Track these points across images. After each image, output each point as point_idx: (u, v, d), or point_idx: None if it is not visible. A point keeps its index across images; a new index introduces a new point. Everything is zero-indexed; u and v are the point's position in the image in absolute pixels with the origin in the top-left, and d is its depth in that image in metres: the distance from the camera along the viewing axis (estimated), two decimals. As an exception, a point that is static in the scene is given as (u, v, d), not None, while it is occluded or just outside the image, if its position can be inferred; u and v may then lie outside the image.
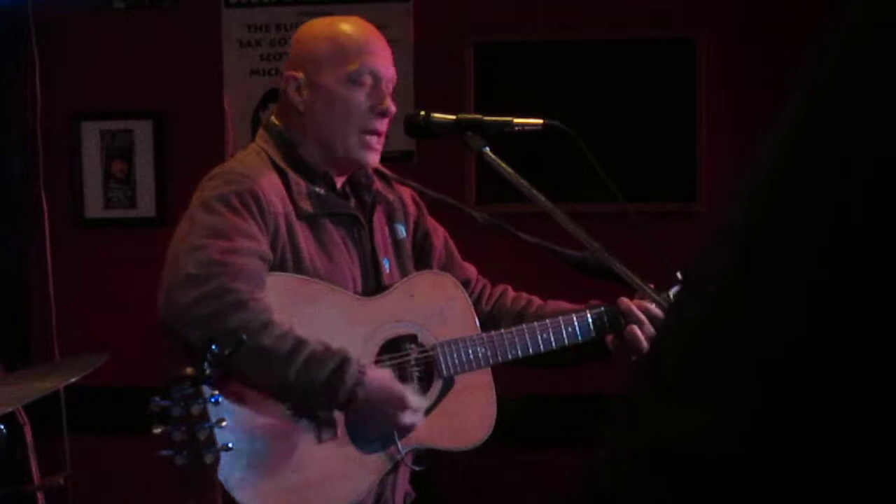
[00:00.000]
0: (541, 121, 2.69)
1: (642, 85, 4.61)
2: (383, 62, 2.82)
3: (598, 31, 4.63)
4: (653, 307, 2.77)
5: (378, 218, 2.88)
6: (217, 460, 2.19)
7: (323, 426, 2.67)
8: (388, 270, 2.85)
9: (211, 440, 2.18)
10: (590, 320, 2.84)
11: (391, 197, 2.92)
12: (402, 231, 2.92)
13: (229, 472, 2.51)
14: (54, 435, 4.49)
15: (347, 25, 2.85)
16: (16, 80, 4.85)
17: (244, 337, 2.37)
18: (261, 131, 2.88)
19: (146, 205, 4.86)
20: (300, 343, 2.57)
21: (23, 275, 4.90)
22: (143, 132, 4.86)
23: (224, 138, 4.67)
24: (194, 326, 2.50)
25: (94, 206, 4.89)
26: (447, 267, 2.97)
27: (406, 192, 2.97)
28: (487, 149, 2.64)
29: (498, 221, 2.86)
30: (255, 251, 2.61)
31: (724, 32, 4.57)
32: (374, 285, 2.81)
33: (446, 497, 4.43)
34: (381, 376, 2.68)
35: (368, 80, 2.78)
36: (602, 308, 2.85)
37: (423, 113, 2.74)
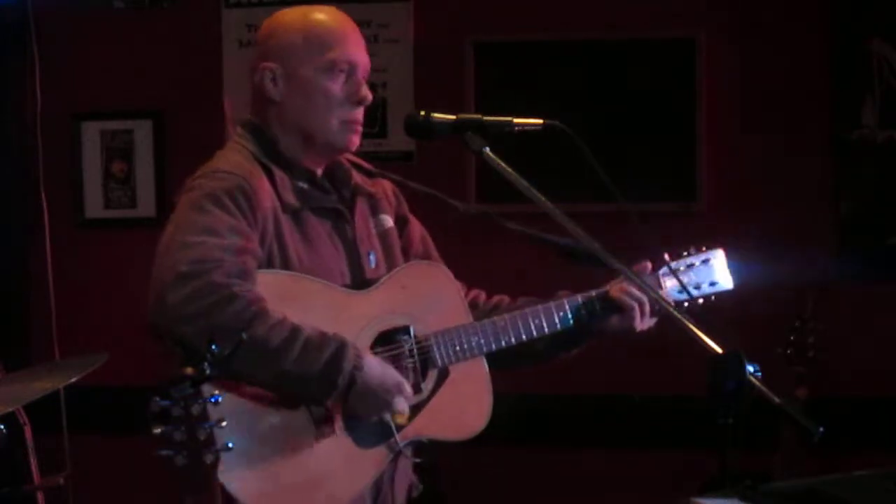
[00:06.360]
0: (541, 121, 2.68)
1: (642, 85, 4.60)
2: (358, 50, 2.82)
3: (598, 31, 4.63)
4: (635, 290, 2.88)
5: (360, 211, 2.88)
6: (217, 460, 2.19)
7: (321, 423, 2.66)
8: (373, 265, 2.85)
9: (211, 440, 2.18)
10: (581, 304, 2.91)
11: (372, 189, 2.93)
12: (387, 221, 2.93)
13: (229, 472, 2.50)
14: (54, 435, 4.49)
15: (321, 15, 2.84)
16: (16, 80, 4.85)
17: (244, 335, 2.36)
18: (238, 129, 2.87)
19: (146, 205, 4.86)
20: (295, 331, 2.57)
21: (23, 275, 4.90)
22: (143, 132, 4.86)
23: (224, 138, 4.67)
24: (186, 323, 2.49)
25: (94, 206, 4.89)
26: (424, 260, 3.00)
27: (387, 184, 2.99)
28: (487, 149, 2.64)
29: (481, 209, 2.90)
30: (246, 249, 2.61)
31: (724, 32, 4.57)
32: (359, 278, 2.82)
33: (449, 495, 4.43)
34: (378, 361, 2.69)
35: (345, 68, 2.79)
36: (593, 294, 2.92)
37: (423, 113, 2.73)
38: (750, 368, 2.23)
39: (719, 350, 2.29)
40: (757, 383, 2.24)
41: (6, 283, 4.90)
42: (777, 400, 2.25)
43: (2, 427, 3.13)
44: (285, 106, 2.80)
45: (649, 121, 4.60)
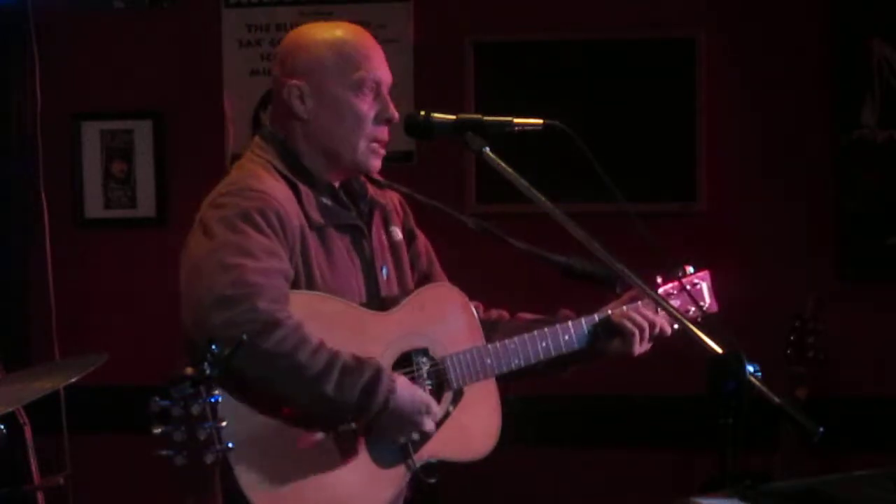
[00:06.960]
0: (541, 121, 2.68)
1: (642, 85, 4.61)
2: (383, 68, 2.82)
3: (598, 31, 4.63)
4: (637, 316, 2.91)
5: (375, 224, 2.89)
6: (217, 460, 2.19)
7: (344, 442, 2.67)
8: (385, 278, 2.85)
9: (211, 440, 2.18)
10: (585, 329, 2.93)
11: (383, 201, 2.93)
12: (397, 233, 2.94)
13: (252, 486, 2.55)
14: (54, 435, 4.49)
15: (344, 32, 2.82)
16: (16, 80, 4.85)
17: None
18: (257, 140, 2.84)
19: (146, 205, 4.85)
20: (334, 356, 2.59)
21: (23, 275, 4.90)
22: (143, 132, 4.85)
23: (224, 138, 4.67)
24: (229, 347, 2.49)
25: (94, 206, 4.89)
26: (428, 275, 3.00)
27: (394, 196, 2.98)
28: (487, 149, 2.64)
29: (488, 226, 2.89)
30: (281, 271, 2.62)
31: (724, 32, 4.57)
32: (374, 293, 2.82)
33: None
34: (407, 382, 2.70)
35: (373, 87, 2.78)
36: (596, 318, 2.94)
37: (423, 113, 2.73)
38: (750, 368, 2.23)
39: (719, 350, 2.29)
40: (757, 383, 2.24)
41: (6, 283, 4.89)
42: (777, 400, 2.26)
43: (2, 427, 3.13)
44: (313, 124, 2.77)
45: (649, 121, 4.60)
